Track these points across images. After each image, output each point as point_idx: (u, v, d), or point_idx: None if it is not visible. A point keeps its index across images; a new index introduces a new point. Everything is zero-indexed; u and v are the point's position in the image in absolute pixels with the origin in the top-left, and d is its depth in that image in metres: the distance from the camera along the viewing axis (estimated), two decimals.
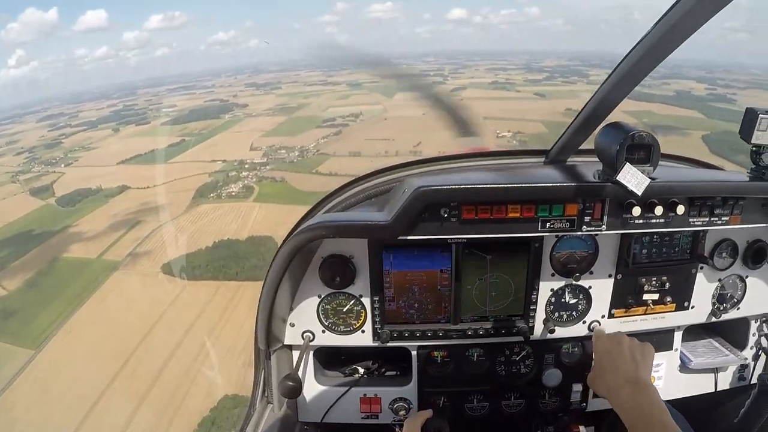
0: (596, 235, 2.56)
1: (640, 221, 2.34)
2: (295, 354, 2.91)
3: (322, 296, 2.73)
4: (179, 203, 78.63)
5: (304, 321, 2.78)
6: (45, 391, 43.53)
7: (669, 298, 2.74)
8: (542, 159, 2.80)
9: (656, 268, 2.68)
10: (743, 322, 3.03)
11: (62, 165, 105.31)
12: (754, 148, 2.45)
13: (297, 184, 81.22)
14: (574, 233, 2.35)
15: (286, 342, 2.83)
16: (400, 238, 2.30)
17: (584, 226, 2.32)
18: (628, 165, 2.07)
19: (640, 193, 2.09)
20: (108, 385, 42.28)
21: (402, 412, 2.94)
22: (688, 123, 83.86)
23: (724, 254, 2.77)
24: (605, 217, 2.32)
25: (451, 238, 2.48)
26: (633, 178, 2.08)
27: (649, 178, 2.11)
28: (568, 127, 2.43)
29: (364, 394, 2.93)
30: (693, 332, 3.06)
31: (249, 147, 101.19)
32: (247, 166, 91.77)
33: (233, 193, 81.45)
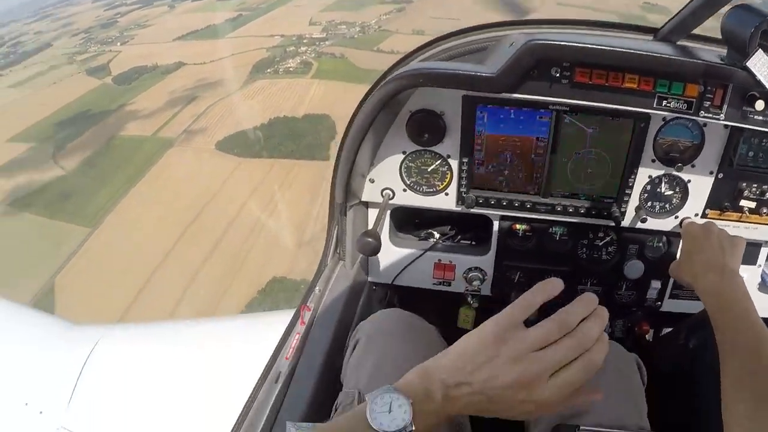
0: (705, 125, 2.34)
1: (760, 118, 2.08)
2: (371, 212, 2.82)
3: (407, 153, 2.55)
4: (236, 79, 76.27)
5: (385, 178, 2.62)
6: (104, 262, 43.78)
7: (765, 210, 2.52)
8: (650, 37, 2.47)
9: (760, 174, 2.45)
10: None
11: (118, 44, 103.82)
12: None
13: (357, 61, 77.27)
14: (690, 116, 2.13)
15: (364, 198, 2.67)
16: (504, 95, 2.08)
17: (702, 111, 2.10)
18: (760, 51, 1.84)
19: None
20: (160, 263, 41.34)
21: (476, 282, 2.83)
22: None
23: None
24: (725, 106, 2.08)
25: (558, 102, 2.25)
26: (764, 67, 1.86)
27: None
28: (686, 5, 2.13)
29: (439, 260, 2.82)
30: None
31: (308, 22, 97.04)
32: (305, 41, 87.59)
33: (291, 69, 77.64)
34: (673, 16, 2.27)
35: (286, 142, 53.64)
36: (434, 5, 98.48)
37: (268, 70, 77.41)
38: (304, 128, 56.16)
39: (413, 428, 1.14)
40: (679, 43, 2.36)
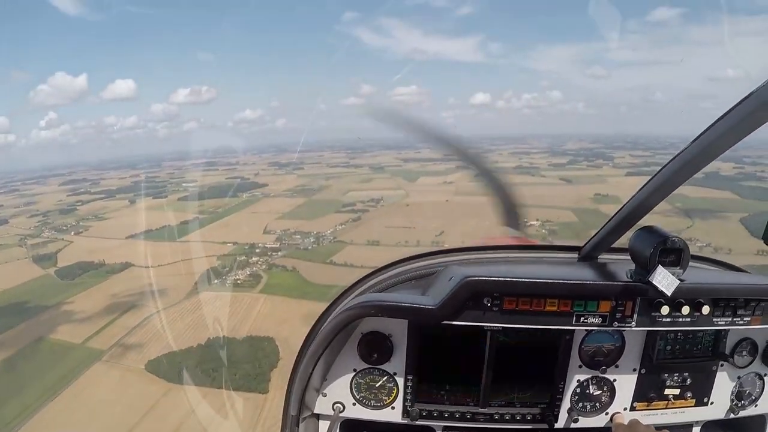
0: (624, 330, 2.62)
1: (668, 320, 2.41)
2: (322, 424, 2.93)
3: (357, 370, 2.78)
4: (180, 288, 72.30)
5: (336, 392, 2.81)
6: None
7: (689, 394, 2.81)
8: (575, 255, 2.86)
9: (679, 364, 2.75)
10: (760, 420, 3.03)
11: (72, 233, 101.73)
12: None
13: (309, 275, 75.69)
14: (606, 329, 2.44)
15: (316, 410, 2.83)
16: (444, 323, 2.35)
17: (616, 322, 2.40)
18: (660, 267, 2.20)
19: (669, 294, 2.20)
20: None
21: None
22: (724, 205, 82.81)
23: (744, 353, 2.82)
24: (635, 315, 2.40)
25: (490, 326, 2.55)
26: (664, 280, 2.19)
27: (679, 279, 2.22)
28: (603, 227, 2.51)
29: None
30: (710, 428, 3.04)
31: (263, 230, 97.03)
32: (258, 250, 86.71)
33: (239, 281, 75.37)
34: (593, 236, 2.64)
35: (221, 369, 49.14)
36: (389, 214, 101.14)
37: (216, 281, 73.97)
38: (244, 354, 52.60)
39: None
40: (600, 258, 2.71)
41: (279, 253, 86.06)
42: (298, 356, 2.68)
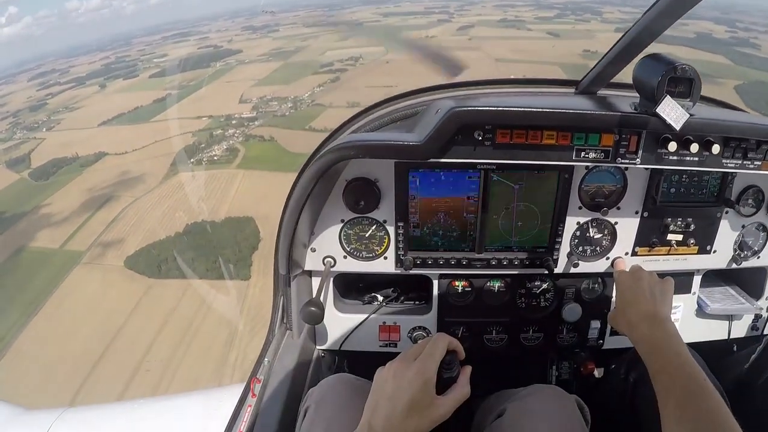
0: (626, 169, 2.49)
1: (674, 158, 2.23)
2: (315, 281, 2.84)
3: (345, 221, 2.61)
4: (156, 172, 68.87)
5: (326, 246, 2.66)
6: None
7: (692, 240, 2.68)
8: (572, 90, 2.64)
9: (682, 208, 2.62)
10: (761, 272, 2.94)
11: (44, 129, 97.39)
12: None
13: (287, 144, 70.85)
14: (608, 164, 2.28)
15: (307, 267, 2.70)
16: (431, 160, 2.18)
17: (619, 158, 2.22)
18: (668, 97, 1.97)
19: (678, 128, 1.99)
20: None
21: (421, 341, 2.30)
22: (717, 70, 77.42)
23: (750, 201, 2.69)
24: (640, 151, 2.22)
25: (482, 163, 2.39)
26: (672, 112, 1.99)
27: (688, 113, 2.00)
28: (603, 57, 2.30)
29: (384, 322, 2.87)
30: (711, 279, 3.00)
31: (238, 99, 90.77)
32: (234, 122, 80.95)
33: (215, 158, 70.51)
34: (591, 69, 2.40)
35: (201, 257, 45.69)
36: (369, 73, 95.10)
37: (192, 160, 70.46)
38: (224, 237, 48.93)
39: None
40: (598, 93, 2.51)
41: (256, 123, 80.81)
42: (282, 213, 2.42)
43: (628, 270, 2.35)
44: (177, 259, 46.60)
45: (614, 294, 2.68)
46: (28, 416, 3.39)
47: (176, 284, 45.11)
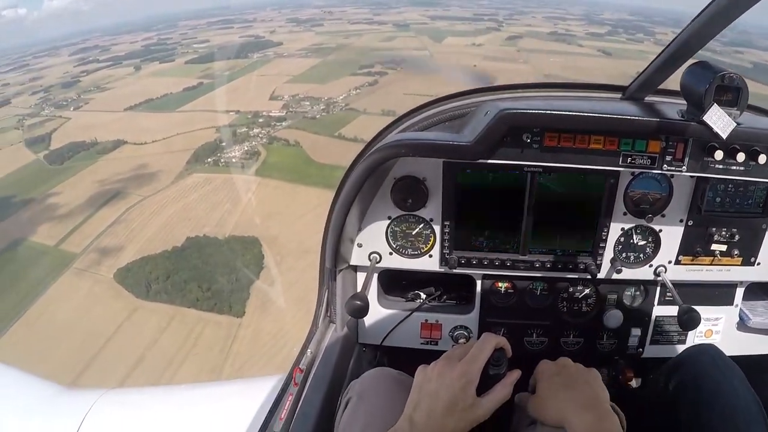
0: (672, 177, 2.49)
1: (720, 167, 2.23)
2: (359, 275, 2.88)
3: (392, 218, 2.66)
4: (170, 169, 64.15)
5: (372, 242, 2.71)
6: None
7: (737, 251, 2.63)
8: (619, 95, 2.58)
9: (727, 218, 2.60)
10: None
11: (71, 108, 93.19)
12: None
13: (313, 151, 65.14)
14: (654, 171, 2.27)
15: (352, 262, 2.75)
16: (479, 161, 2.22)
17: (665, 165, 2.24)
18: (715, 106, 1.97)
19: (725, 136, 1.98)
20: None
21: (462, 340, 2.91)
22: None
23: None
24: (686, 159, 2.23)
25: (529, 165, 2.39)
26: (719, 120, 1.97)
27: (735, 122, 1.98)
28: (650, 63, 2.27)
29: (425, 320, 2.88)
30: (754, 291, 2.94)
31: (270, 95, 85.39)
32: (261, 120, 75.43)
33: (234, 160, 65.22)
34: (639, 75, 2.37)
35: (194, 282, 39.98)
36: (409, 78, 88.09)
37: (209, 160, 65.24)
38: (223, 259, 43.46)
39: None
40: (646, 99, 2.46)
41: (283, 124, 75.20)
42: (330, 208, 2.52)
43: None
44: (153, 286, 41.93)
45: (536, 386, 2.24)
46: (70, 395, 3.36)
47: (163, 310, 40.04)
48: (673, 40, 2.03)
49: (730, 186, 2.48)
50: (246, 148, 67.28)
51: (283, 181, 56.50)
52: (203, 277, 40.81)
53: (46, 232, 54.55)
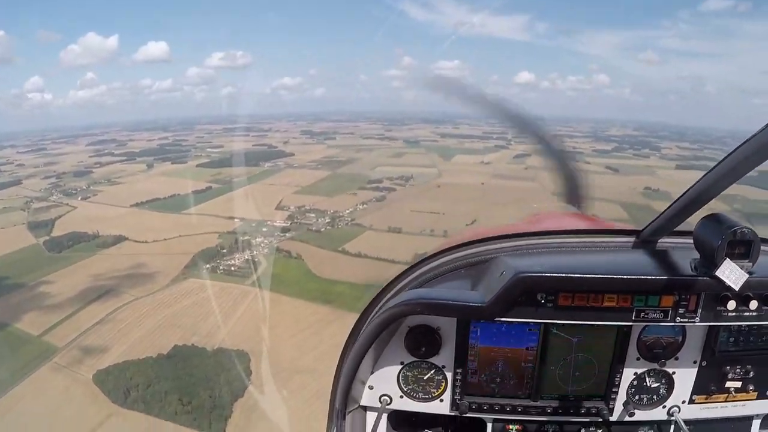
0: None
1: (734, 314, 2.26)
2: (369, 415, 2.86)
3: (405, 363, 2.68)
4: (167, 272, 63.93)
5: (383, 385, 2.73)
6: None
7: (752, 387, 2.64)
8: (632, 239, 2.66)
9: (742, 356, 2.59)
10: None
11: (79, 197, 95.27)
12: None
13: (314, 265, 65.09)
14: (667, 324, 2.30)
15: (363, 403, 2.77)
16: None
17: (678, 318, 2.28)
18: (728, 261, 2.04)
19: (737, 288, 2.05)
20: None
21: None
22: None
23: None
24: (699, 310, 2.27)
25: (545, 322, 2.45)
26: (732, 274, 2.04)
27: (747, 273, 2.05)
28: (664, 210, 2.37)
29: None
30: None
31: (276, 204, 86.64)
32: (265, 229, 75.53)
33: (233, 268, 64.59)
34: (655, 219, 2.44)
35: (174, 395, 38.29)
36: (418, 195, 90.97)
37: (207, 266, 65.18)
38: (208, 371, 42.20)
39: None
40: (660, 242, 2.52)
41: (287, 234, 75.99)
42: (343, 351, 2.60)
43: None
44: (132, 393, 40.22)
45: None
46: None
47: (138, 420, 38.26)
48: (689, 190, 2.09)
49: (743, 327, 2.47)
50: (246, 257, 66.99)
51: (282, 294, 55.48)
52: (185, 389, 39.45)
53: (32, 321, 53.51)
